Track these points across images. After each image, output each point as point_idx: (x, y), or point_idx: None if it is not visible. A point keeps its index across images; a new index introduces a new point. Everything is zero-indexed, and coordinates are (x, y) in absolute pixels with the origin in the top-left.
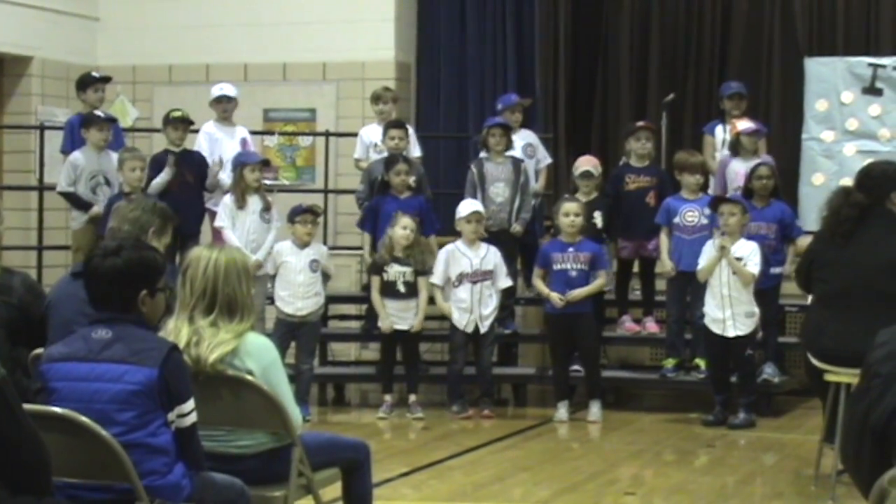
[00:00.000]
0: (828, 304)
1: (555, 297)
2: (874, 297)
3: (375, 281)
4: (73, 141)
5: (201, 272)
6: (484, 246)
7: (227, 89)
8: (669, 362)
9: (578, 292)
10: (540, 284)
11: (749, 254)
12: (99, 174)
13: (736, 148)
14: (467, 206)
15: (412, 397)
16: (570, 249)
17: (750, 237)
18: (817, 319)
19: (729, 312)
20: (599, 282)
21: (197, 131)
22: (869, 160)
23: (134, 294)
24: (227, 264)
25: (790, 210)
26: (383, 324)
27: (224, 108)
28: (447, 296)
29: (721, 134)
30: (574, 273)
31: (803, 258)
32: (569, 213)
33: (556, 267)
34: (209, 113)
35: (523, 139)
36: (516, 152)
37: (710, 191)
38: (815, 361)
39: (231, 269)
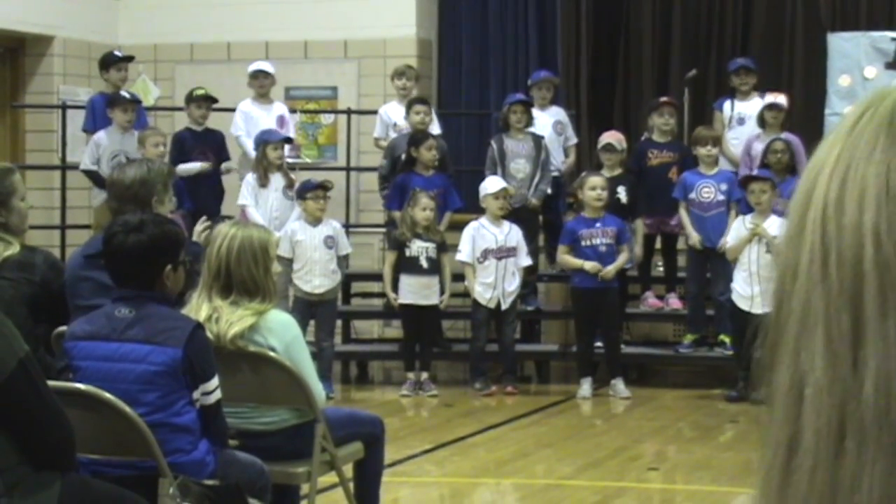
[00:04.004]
0: None
1: (594, 265)
2: None
3: (391, 256)
4: (94, 120)
5: (216, 251)
6: (507, 223)
7: (264, 65)
8: (688, 338)
9: (612, 269)
10: (570, 258)
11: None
12: (121, 153)
13: (763, 122)
14: (495, 183)
15: (424, 374)
16: (598, 225)
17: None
18: None
19: (757, 289)
20: (626, 255)
21: (221, 109)
22: None
23: (159, 269)
24: (241, 244)
25: None
26: (391, 300)
27: (260, 84)
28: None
29: (729, 111)
30: (604, 248)
31: None
32: (595, 186)
33: (585, 243)
34: (231, 91)
35: (553, 116)
36: (546, 130)
37: (725, 166)
38: None
39: (245, 248)
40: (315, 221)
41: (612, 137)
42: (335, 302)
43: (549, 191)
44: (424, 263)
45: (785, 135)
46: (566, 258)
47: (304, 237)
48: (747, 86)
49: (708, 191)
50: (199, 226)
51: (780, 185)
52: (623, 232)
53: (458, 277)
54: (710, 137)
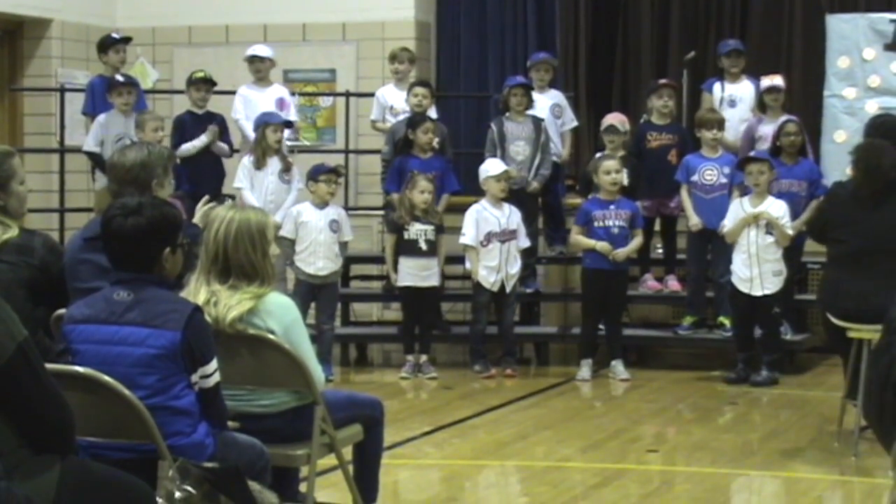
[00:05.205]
0: (844, 265)
1: (606, 245)
2: (894, 255)
3: (391, 239)
4: (94, 102)
5: (213, 235)
6: (506, 206)
7: (259, 50)
8: (687, 320)
9: (624, 251)
10: (582, 238)
11: (782, 214)
12: (125, 137)
13: (763, 106)
14: (497, 166)
15: (423, 357)
16: (612, 207)
17: (781, 195)
18: (834, 279)
19: (757, 271)
20: (639, 240)
21: (220, 92)
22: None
23: (157, 252)
24: (238, 228)
25: (817, 168)
26: (393, 280)
27: (257, 68)
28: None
29: (719, 92)
30: (616, 230)
31: (817, 215)
32: (610, 170)
33: (598, 224)
34: (229, 74)
35: (551, 99)
36: (543, 113)
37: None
38: (834, 321)
39: (242, 232)
40: (322, 204)
41: (614, 119)
42: (337, 285)
43: (547, 174)
44: (423, 245)
45: (787, 117)
46: (578, 238)
47: (310, 219)
48: (737, 68)
49: (711, 173)
50: (201, 205)
51: (793, 167)
52: (637, 216)
53: (456, 260)
54: (714, 120)
